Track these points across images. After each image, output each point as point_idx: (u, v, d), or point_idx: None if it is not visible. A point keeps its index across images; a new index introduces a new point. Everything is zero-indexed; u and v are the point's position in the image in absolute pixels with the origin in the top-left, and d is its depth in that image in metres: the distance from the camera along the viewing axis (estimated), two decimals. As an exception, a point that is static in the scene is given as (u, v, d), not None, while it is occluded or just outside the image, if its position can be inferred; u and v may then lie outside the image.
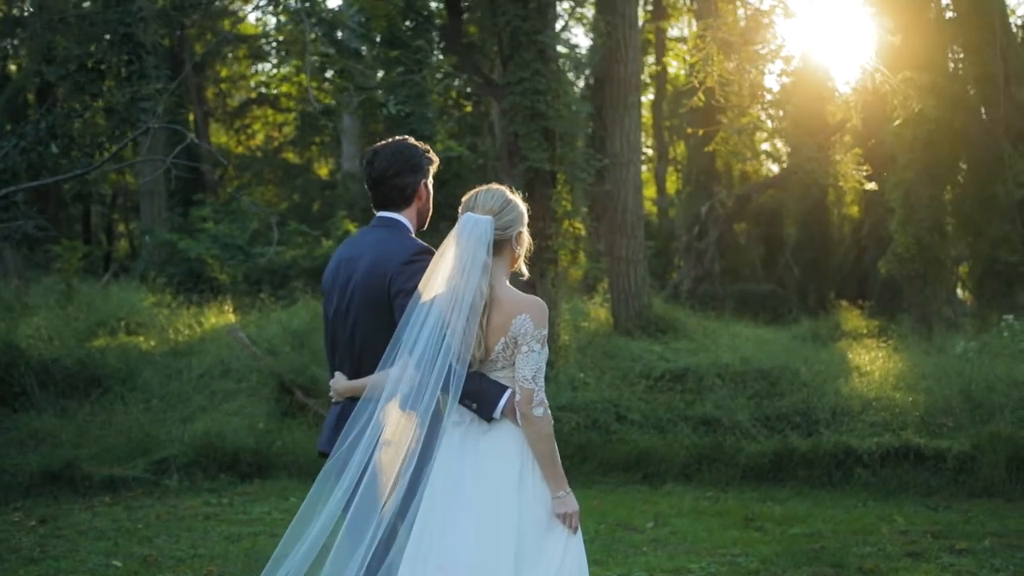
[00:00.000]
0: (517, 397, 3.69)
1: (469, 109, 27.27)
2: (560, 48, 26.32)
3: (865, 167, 14.53)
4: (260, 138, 34.96)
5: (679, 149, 31.10)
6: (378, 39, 17.20)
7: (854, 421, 10.73)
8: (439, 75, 20.12)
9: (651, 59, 30.73)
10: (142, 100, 10.17)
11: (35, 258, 21.69)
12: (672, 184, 32.81)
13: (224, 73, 33.54)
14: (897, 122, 17.69)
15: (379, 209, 4.16)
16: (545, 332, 3.73)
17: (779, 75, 14.51)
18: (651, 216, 30.83)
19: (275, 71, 33.27)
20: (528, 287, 3.85)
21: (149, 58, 10.18)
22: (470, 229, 3.75)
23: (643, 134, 33.16)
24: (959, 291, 22.46)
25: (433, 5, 16.52)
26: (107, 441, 10.12)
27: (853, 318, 18.35)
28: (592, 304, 16.21)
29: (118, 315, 14.25)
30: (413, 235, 4.10)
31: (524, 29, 12.15)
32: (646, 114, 32.09)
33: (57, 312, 14.26)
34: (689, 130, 22.64)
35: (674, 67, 30.73)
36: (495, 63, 15.96)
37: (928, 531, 8.30)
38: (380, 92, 13.51)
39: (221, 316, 14.97)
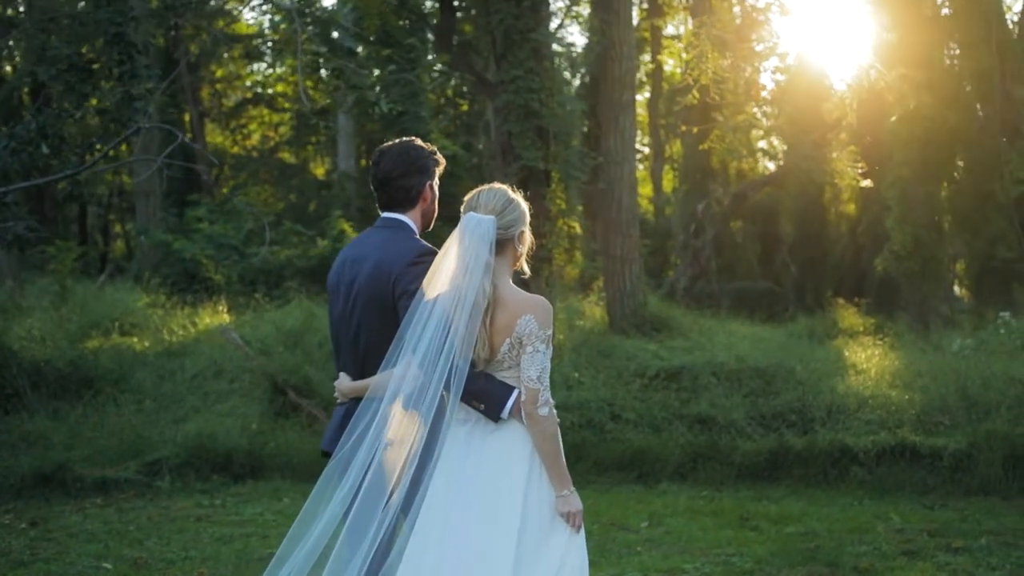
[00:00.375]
0: (522, 396, 3.71)
1: (465, 108, 27.26)
2: (556, 47, 26.33)
3: (860, 164, 14.54)
4: (256, 138, 34.90)
5: (675, 147, 31.06)
6: (371, 38, 17.15)
7: (850, 419, 10.69)
8: (434, 74, 20.09)
9: (647, 57, 30.70)
10: (134, 100, 10.12)
11: (31, 259, 21.62)
12: (668, 182, 32.78)
13: (219, 73, 33.48)
14: (893, 119, 17.73)
15: (384, 210, 4.16)
16: (550, 332, 3.75)
17: (774, 72, 14.53)
18: (647, 214, 30.80)
19: (270, 71, 33.23)
20: (522, 286, 3.85)
21: (140, 58, 10.11)
22: (472, 228, 3.76)
23: (639, 132, 33.19)
24: (956, 288, 22.46)
25: (427, 3, 16.50)
26: (99, 443, 10.06)
27: (850, 316, 18.32)
28: (587, 303, 16.17)
29: (112, 316, 14.20)
30: (418, 236, 4.10)
31: (517, 27, 12.13)
32: (642, 112, 32.07)
33: (51, 313, 14.21)
34: (683, 127, 22.59)
35: (670, 65, 30.68)
36: (489, 61, 15.92)
37: (924, 529, 8.26)
38: (373, 91, 13.47)
39: (215, 316, 14.93)
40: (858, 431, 10.42)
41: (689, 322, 15.05)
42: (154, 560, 7.36)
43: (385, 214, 4.13)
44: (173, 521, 8.48)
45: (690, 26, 23.65)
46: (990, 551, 7.57)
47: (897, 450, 10.03)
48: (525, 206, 3.94)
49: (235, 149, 34.04)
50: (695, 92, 12.13)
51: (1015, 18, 20.43)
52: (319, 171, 33.04)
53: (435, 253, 3.90)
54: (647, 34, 29.69)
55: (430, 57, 17.07)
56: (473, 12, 15.24)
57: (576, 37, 41.32)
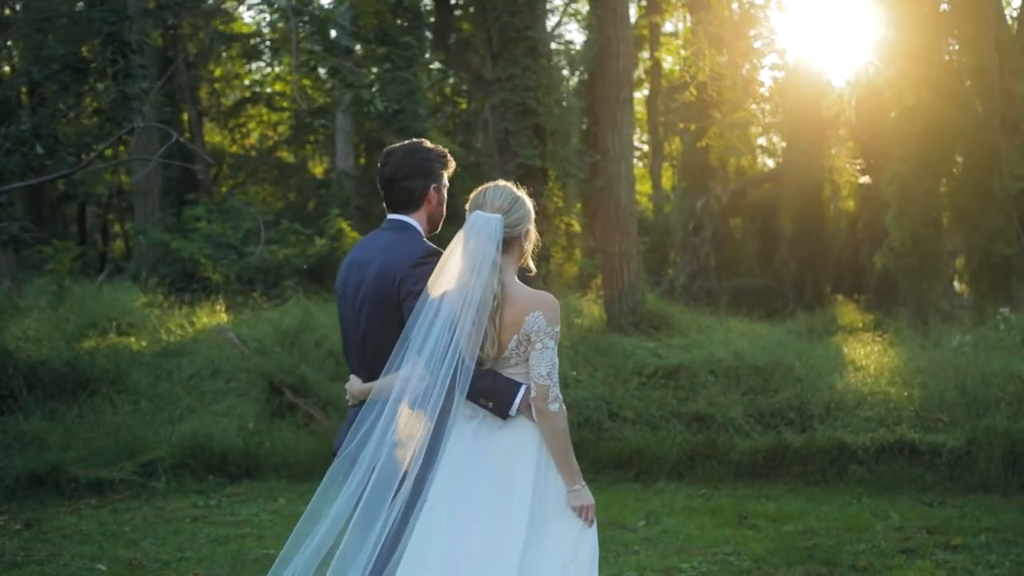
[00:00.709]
0: (532, 393, 3.72)
1: (464, 106, 27.22)
2: (555, 45, 26.29)
3: (859, 161, 14.51)
4: (254, 137, 34.88)
5: (674, 144, 31.03)
6: (368, 37, 17.12)
7: (848, 416, 10.65)
8: (433, 72, 20.04)
9: (646, 55, 30.68)
10: (129, 100, 10.09)
11: (29, 259, 21.60)
12: (667, 179, 32.76)
13: (218, 72, 33.46)
14: (892, 115, 17.69)
15: (390, 211, 4.15)
16: (558, 328, 3.77)
17: (771, 68, 14.46)
18: (647, 212, 30.77)
19: (269, 70, 33.23)
20: (523, 282, 3.89)
21: (135, 57, 10.07)
22: (480, 227, 3.76)
23: (638, 130, 33.18)
24: (956, 284, 22.42)
25: (424, 2, 16.46)
26: (94, 443, 10.02)
27: (849, 312, 18.30)
28: (585, 301, 16.13)
29: (109, 316, 14.17)
30: (423, 237, 4.09)
31: (514, 25, 12.10)
32: (641, 110, 32.04)
33: (48, 313, 14.18)
34: (681, 125, 22.57)
35: (669, 62, 30.67)
36: (486, 59, 15.89)
37: (923, 527, 8.22)
38: (369, 90, 13.43)
39: (213, 316, 14.90)
40: (857, 428, 10.37)
41: (687, 320, 15.02)
42: (149, 561, 7.32)
43: (391, 216, 4.13)
44: (168, 522, 8.44)
45: (688, 23, 23.66)
46: (989, 548, 7.53)
47: (896, 447, 9.98)
48: (530, 203, 3.95)
49: (234, 148, 34.02)
50: (692, 89, 12.12)
51: (1014, 13, 20.39)
52: (318, 170, 33.03)
53: (440, 254, 3.88)
54: (646, 31, 29.68)
55: (427, 55, 17.02)
56: (471, 10, 15.19)
57: (575, 35, 41.27)
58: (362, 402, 3.95)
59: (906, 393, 11.02)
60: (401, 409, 3.70)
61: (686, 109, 19.78)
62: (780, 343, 13.47)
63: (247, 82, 34.90)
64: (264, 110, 33.95)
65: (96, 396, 11.04)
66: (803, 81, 19.93)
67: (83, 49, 10.49)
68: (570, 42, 31.37)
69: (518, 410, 3.75)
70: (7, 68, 24.44)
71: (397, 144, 4.22)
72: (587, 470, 10.13)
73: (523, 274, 4.01)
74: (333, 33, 19.48)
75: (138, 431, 10.20)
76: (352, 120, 23.29)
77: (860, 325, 16.43)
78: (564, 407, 3.77)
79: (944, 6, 17.72)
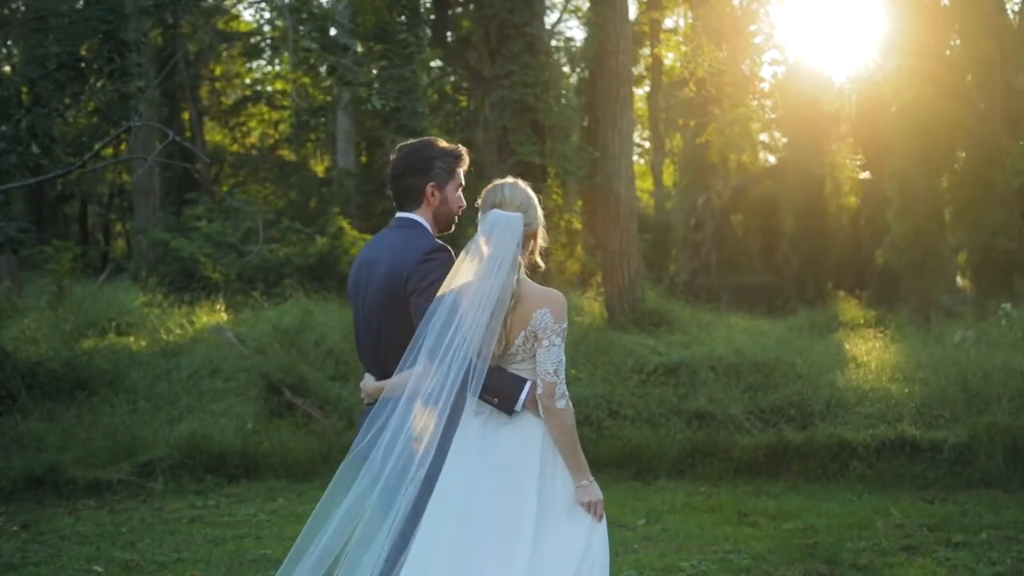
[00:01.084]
0: (539, 390, 3.73)
1: (464, 104, 27.16)
2: (555, 42, 26.24)
3: (859, 157, 14.47)
4: (255, 136, 34.86)
5: (675, 141, 30.98)
6: (367, 34, 17.05)
7: (849, 413, 10.60)
8: (433, 70, 19.98)
9: (648, 51, 30.62)
10: (125, 98, 10.05)
11: (30, 259, 21.58)
12: (669, 176, 32.70)
13: (218, 71, 33.45)
14: (893, 109, 17.65)
15: (397, 208, 4.16)
16: (565, 326, 3.79)
17: (771, 63, 14.41)
18: (648, 209, 30.72)
19: (269, 68, 33.22)
20: None
21: (131, 56, 10.04)
22: (503, 227, 3.78)
23: (639, 126, 33.14)
24: (959, 280, 22.38)
25: (422, -1, 16.41)
26: (93, 444, 9.98)
27: (851, 308, 18.25)
28: (586, 298, 16.09)
29: (109, 316, 14.15)
30: (431, 234, 4.08)
31: (512, 21, 12.05)
32: (642, 106, 31.99)
33: (47, 314, 14.15)
34: (681, 121, 22.54)
35: (670, 59, 30.60)
36: (485, 57, 15.83)
37: (924, 524, 8.17)
38: (366, 87, 13.36)
39: (213, 315, 14.86)
40: (857, 425, 10.32)
41: (688, 317, 14.99)
42: (146, 562, 7.28)
43: (398, 214, 4.14)
44: (166, 523, 8.40)
45: (689, 19, 23.57)
46: (991, 545, 7.48)
47: (897, 444, 9.92)
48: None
49: (234, 147, 34.01)
50: (691, 85, 12.07)
51: (1016, 7, 20.32)
52: (319, 168, 33.00)
53: (447, 250, 3.93)
54: (646, 28, 29.61)
55: (425, 53, 16.95)
56: (471, 7, 15.14)
57: (576, 32, 41.20)
58: (376, 400, 3.97)
59: (907, 389, 10.96)
60: (415, 406, 3.71)
61: (686, 105, 19.75)
62: (781, 340, 13.43)
63: (248, 81, 34.90)
64: (265, 109, 33.96)
65: (94, 396, 11.01)
66: (804, 77, 19.89)
67: (81, 48, 10.46)
68: (571, 39, 31.38)
69: (523, 406, 3.76)
70: (7, 68, 24.42)
71: (406, 142, 4.24)
72: (586, 468, 10.10)
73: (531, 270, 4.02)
74: (333, 31, 19.43)
75: (136, 431, 10.16)
76: (351, 118, 23.22)
77: (861, 321, 16.37)
78: (571, 404, 3.79)
79: (945, 1, 17.66)
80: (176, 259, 18.88)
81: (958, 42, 17.80)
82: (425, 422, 3.71)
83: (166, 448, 9.83)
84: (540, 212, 3.95)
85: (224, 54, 31.93)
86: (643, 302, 14.66)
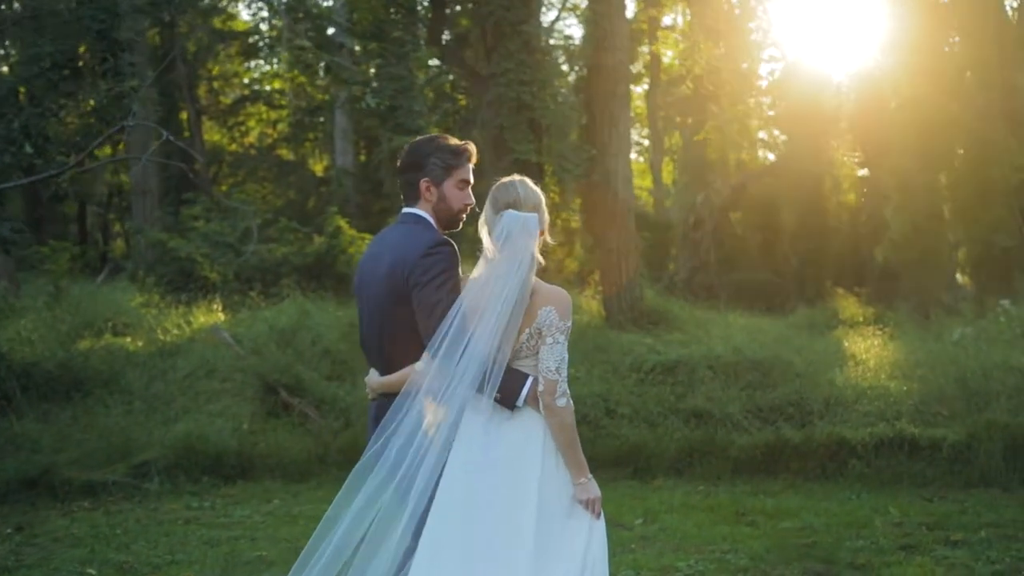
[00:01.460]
0: (540, 387, 3.75)
1: (463, 103, 27.12)
2: (553, 40, 26.19)
3: (857, 154, 14.43)
4: (254, 136, 34.82)
5: (674, 139, 30.93)
6: (363, 33, 17.01)
7: (848, 411, 10.56)
8: (431, 68, 19.91)
9: (646, 49, 30.54)
10: (119, 98, 10.01)
11: (28, 259, 21.54)
12: (668, 174, 32.66)
13: (216, 71, 33.40)
14: (893, 105, 17.61)
15: (403, 204, 4.18)
16: (569, 324, 3.80)
17: (768, 60, 14.41)
18: (647, 207, 30.69)
19: (267, 68, 33.19)
20: None
21: (125, 55, 9.99)
22: (520, 228, 3.81)
23: (638, 124, 33.08)
24: (959, 276, 22.31)
25: (420, -3, 16.35)
26: (88, 445, 9.93)
27: (850, 306, 18.20)
28: (584, 297, 16.03)
29: (105, 316, 14.09)
30: (435, 229, 4.06)
31: (508, 19, 12.01)
32: (641, 104, 31.94)
33: (44, 314, 14.09)
34: (678, 119, 22.50)
35: (668, 57, 30.54)
36: (482, 55, 15.78)
37: (923, 523, 8.13)
38: (361, 86, 13.33)
39: (210, 315, 14.80)
40: (856, 423, 10.28)
41: (687, 315, 14.94)
42: (140, 564, 7.24)
43: (403, 209, 4.15)
44: (161, 524, 8.36)
45: (688, 17, 23.52)
46: (989, 544, 7.44)
47: (895, 442, 9.88)
48: None
49: (233, 147, 33.97)
50: (689, 83, 12.04)
51: (1014, 3, 20.28)
52: (317, 168, 32.97)
53: (450, 244, 3.91)
54: (645, 25, 29.53)
55: (421, 51, 16.90)
56: (468, 5, 15.08)
57: (574, 29, 41.15)
58: (381, 395, 4.00)
59: (906, 387, 10.93)
60: (428, 404, 3.74)
61: (684, 103, 19.70)
62: (780, 338, 13.38)
63: (246, 80, 34.86)
64: (263, 108, 33.91)
65: (90, 397, 10.96)
66: (803, 75, 19.84)
67: (83, 49, 10.43)
68: (569, 37, 31.31)
69: (525, 401, 3.77)
70: (4, 68, 24.37)
71: (416, 138, 4.26)
72: (584, 468, 10.07)
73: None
74: (331, 30, 19.41)
75: (131, 432, 10.11)
76: (348, 117, 23.18)
77: (861, 319, 16.32)
78: (571, 402, 3.79)
79: (945, -1, 17.64)
80: (174, 259, 18.82)
81: (957, 39, 17.76)
82: (433, 419, 3.74)
83: (161, 449, 9.79)
84: (546, 210, 3.99)
85: (222, 54, 31.87)
86: (641, 300, 14.61)
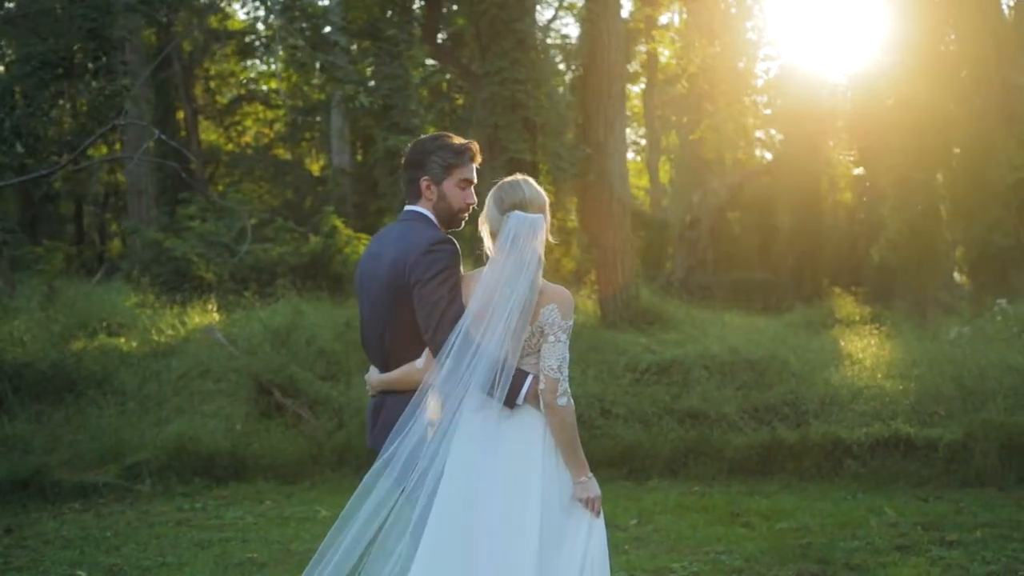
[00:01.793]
0: (542, 386, 3.75)
1: (460, 101, 27.09)
2: (550, 39, 26.13)
3: (852, 153, 14.39)
4: (250, 135, 34.77)
5: (671, 138, 30.90)
6: (358, 31, 16.94)
7: (843, 411, 10.51)
8: (427, 67, 19.84)
9: (643, 48, 30.50)
10: (111, 97, 9.96)
11: (24, 259, 21.48)
12: (664, 174, 32.63)
13: (213, 70, 33.34)
14: (889, 102, 17.56)
15: (406, 202, 4.20)
16: (571, 323, 3.82)
17: (763, 59, 14.37)
18: (644, 206, 30.64)
19: (264, 67, 33.14)
20: None
21: (116, 54, 9.94)
22: (528, 230, 3.81)
23: (635, 123, 33.05)
24: (956, 275, 22.29)
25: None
26: (80, 446, 9.88)
27: (847, 305, 18.16)
28: (580, 296, 15.98)
29: (100, 316, 14.04)
30: (436, 226, 4.06)
31: (502, 17, 11.94)
32: (639, 104, 31.90)
33: (38, 315, 14.03)
34: (673, 117, 22.46)
35: (665, 56, 30.50)
36: (477, 53, 15.72)
37: (918, 523, 8.08)
38: (355, 85, 13.28)
39: (205, 315, 14.75)
40: (852, 423, 10.23)
41: (683, 314, 14.89)
42: (130, 567, 7.19)
43: (406, 206, 4.15)
44: (152, 526, 8.30)
45: (684, 15, 23.48)
46: (985, 544, 7.40)
47: (891, 442, 9.85)
48: None
49: (229, 146, 33.92)
50: (684, 82, 12.00)
51: (1011, 1, 20.24)
52: (314, 167, 32.93)
53: (451, 242, 3.91)
54: (642, 25, 29.48)
55: (414, 50, 16.84)
56: (462, 4, 15.03)
57: (571, 28, 41.11)
58: (381, 393, 4.02)
59: (902, 387, 10.88)
60: (432, 405, 3.76)
61: (680, 102, 19.66)
62: (776, 337, 13.33)
63: (243, 80, 34.80)
64: (260, 108, 33.86)
65: (82, 398, 10.90)
66: (800, 74, 19.80)
67: (70, 46, 10.36)
68: (566, 36, 31.26)
69: (525, 399, 3.77)
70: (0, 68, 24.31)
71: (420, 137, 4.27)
72: (578, 468, 10.03)
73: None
74: (327, 29, 19.33)
75: (124, 433, 10.05)
76: (343, 117, 23.12)
77: (857, 318, 16.29)
78: (572, 401, 3.80)
79: (942, -4, 17.59)
80: (169, 259, 18.77)
81: (954, 38, 17.72)
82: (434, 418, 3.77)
83: (153, 450, 9.73)
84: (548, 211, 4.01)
85: (218, 53, 31.81)
86: (637, 300, 14.55)
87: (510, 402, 3.78)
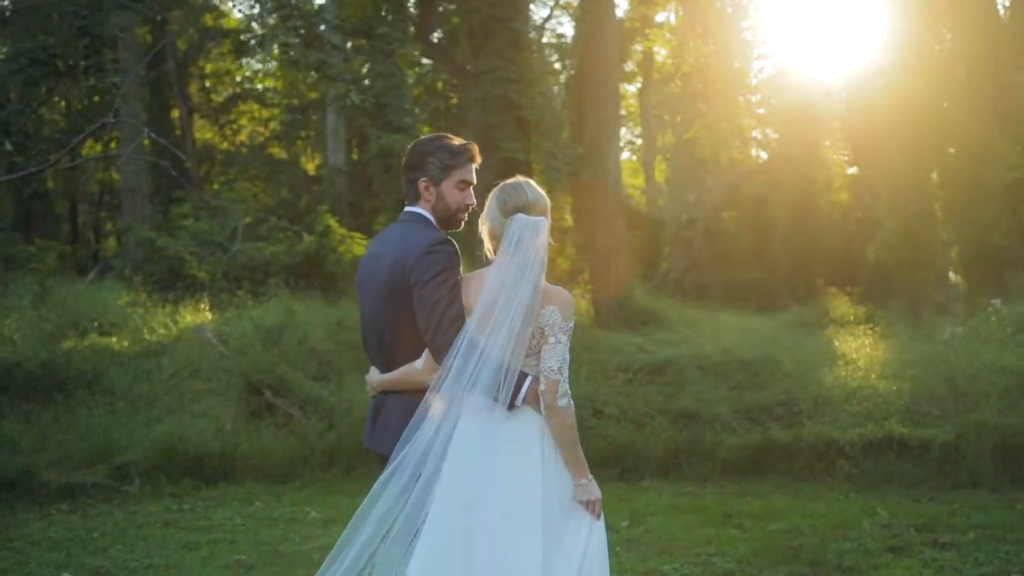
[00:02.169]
0: (542, 387, 3.75)
1: (455, 100, 27.06)
2: (546, 38, 26.08)
3: (846, 152, 14.36)
4: (245, 134, 34.72)
5: (667, 138, 30.86)
6: (352, 29, 16.88)
7: (836, 411, 10.46)
8: (422, 67, 19.79)
9: (640, 48, 30.47)
10: (102, 94, 9.90)
11: (17, 258, 21.41)
12: (660, 173, 32.59)
13: (208, 69, 33.29)
14: (883, 102, 17.55)
15: (406, 203, 4.20)
16: (572, 324, 3.82)
17: (758, 58, 14.34)
18: (640, 205, 30.59)
19: (260, 66, 33.09)
20: None
21: (106, 51, 9.88)
22: (532, 233, 3.82)
23: (631, 123, 33.00)
24: (951, 275, 22.26)
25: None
26: (69, 446, 9.80)
27: (842, 305, 18.14)
28: (573, 296, 15.90)
29: (91, 315, 13.97)
30: (435, 227, 4.06)
31: (495, 16, 11.90)
32: (635, 103, 31.84)
33: (29, 313, 13.96)
34: (667, 116, 22.43)
35: (662, 55, 30.46)
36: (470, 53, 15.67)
37: (911, 524, 8.03)
38: (344, 83, 13.22)
39: (197, 314, 14.68)
40: (845, 424, 10.18)
41: (677, 314, 14.83)
42: (116, 569, 7.13)
43: (406, 208, 4.15)
44: (139, 527, 8.23)
45: (680, 14, 23.42)
46: (978, 546, 7.35)
47: (884, 443, 9.79)
48: None
49: (225, 145, 33.87)
50: (677, 81, 11.96)
51: (1006, 1, 20.22)
52: (310, 166, 32.89)
53: (451, 243, 3.91)
54: (639, 24, 29.46)
55: (406, 48, 16.78)
56: (455, 3, 14.98)
57: (568, 28, 41.06)
58: (381, 393, 4.02)
59: (895, 387, 10.83)
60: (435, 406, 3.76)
61: (675, 101, 19.62)
62: (769, 337, 13.29)
63: (238, 78, 34.76)
64: (255, 106, 33.82)
65: (72, 398, 10.82)
66: (796, 74, 19.77)
67: (58, 43, 10.30)
68: (562, 35, 31.19)
69: (524, 400, 3.76)
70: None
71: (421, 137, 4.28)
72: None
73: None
74: (323, 27, 19.27)
75: (113, 433, 9.97)
76: (336, 115, 23.07)
77: (852, 318, 16.25)
78: (572, 402, 3.79)
79: (938, -4, 17.58)
80: (162, 257, 18.71)
81: (949, 38, 17.70)
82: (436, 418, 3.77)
83: (142, 450, 9.66)
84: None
85: (214, 52, 31.77)
86: (631, 300, 14.51)
87: (509, 403, 3.77)
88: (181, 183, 22.69)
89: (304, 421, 10.48)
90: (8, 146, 9.18)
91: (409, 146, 4.15)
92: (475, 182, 4.09)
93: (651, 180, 32.19)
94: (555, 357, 3.74)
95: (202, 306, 15.11)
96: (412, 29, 15.64)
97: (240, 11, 30.63)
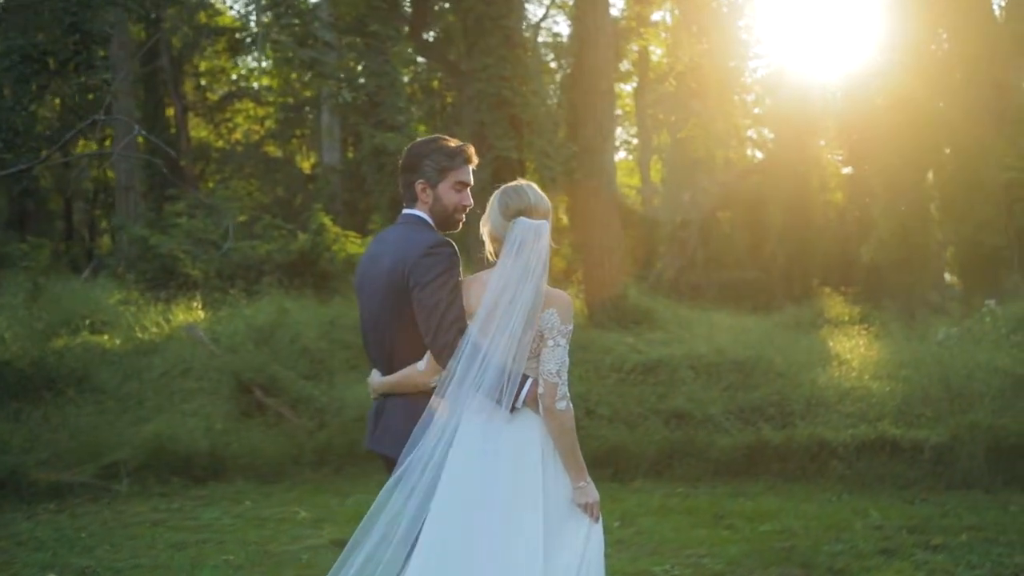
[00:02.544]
0: (541, 390, 3.74)
1: (450, 100, 27.01)
2: (541, 37, 26.04)
3: (840, 152, 14.33)
4: (240, 132, 34.64)
5: (663, 137, 30.82)
6: (346, 27, 16.81)
7: (829, 412, 10.42)
8: (419, 65, 19.74)
9: (635, 47, 30.43)
10: (94, 91, 9.85)
11: (10, 256, 21.33)
12: (656, 172, 32.54)
13: (203, 67, 33.21)
14: (879, 102, 17.52)
15: (404, 205, 4.19)
16: (571, 327, 3.81)
17: (753, 57, 14.30)
18: (636, 205, 30.57)
19: (255, 64, 33.02)
20: None
21: (95, 48, 9.81)
22: (534, 236, 3.82)
23: (627, 122, 32.96)
24: (947, 276, 22.24)
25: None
26: (58, 445, 9.73)
27: (837, 305, 18.09)
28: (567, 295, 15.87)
29: (83, 313, 13.91)
30: (434, 229, 4.05)
31: (488, 14, 11.85)
32: (630, 102, 31.81)
33: (21, 312, 13.89)
34: (661, 116, 22.39)
35: (657, 55, 30.42)
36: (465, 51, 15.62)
37: (903, 526, 7.99)
38: (335, 81, 13.17)
39: (190, 313, 14.63)
40: (838, 424, 10.14)
41: (670, 314, 14.80)
42: (103, 569, 7.07)
43: (404, 209, 4.15)
44: (127, 527, 8.18)
45: (676, 13, 23.38)
46: (970, 548, 7.31)
47: (877, 443, 9.75)
48: None
49: (220, 143, 33.81)
50: (672, 79, 11.92)
51: (1002, 2, 20.19)
52: (305, 165, 32.84)
53: (450, 245, 3.91)
54: (635, 23, 29.42)
55: (399, 45, 16.73)
56: (449, 1, 14.94)
57: (564, 27, 41.03)
58: (383, 396, 4.02)
59: (889, 388, 10.79)
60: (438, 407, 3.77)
61: (671, 100, 19.57)
62: (763, 337, 13.25)
63: (233, 76, 34.70)
64: (250, 104, 33.76)
65: (61, 397, 10.76)
66: (791, 73, 19.73)
67: (49, 40, 10.23)
68: (557, 35, 31.17)
69: (523, 402, 3.75)
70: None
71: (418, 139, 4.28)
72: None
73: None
74: (317, 25, 19.21)
75: (102, 432, 9.91)
76: (331, 114, 23.02)
77: (847, 318, 16.21)
78: (571, 405, 3.79)
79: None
80: (155, 256, 18.65)
81: (946, 38, 17.68)
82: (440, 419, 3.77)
83: (131, 449, 9.60)
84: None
85: (208, 49, 31.71)
86: (625, 299, 14.46)
87: (511, 406, 3.77)
88: (175, 181, 22.62)
89: (295, 420, 10.43)
90: (-2, 143, 9.10)
91: (405, 148, 4.15)
92: (472, 183, 4.08)
93: (647, 180, 32.15)
94: (554, 360, 3.73)
95: (195, 304, 15.06)
96: (406, 27, 15.58)
97: (234, 9, 30.64)
